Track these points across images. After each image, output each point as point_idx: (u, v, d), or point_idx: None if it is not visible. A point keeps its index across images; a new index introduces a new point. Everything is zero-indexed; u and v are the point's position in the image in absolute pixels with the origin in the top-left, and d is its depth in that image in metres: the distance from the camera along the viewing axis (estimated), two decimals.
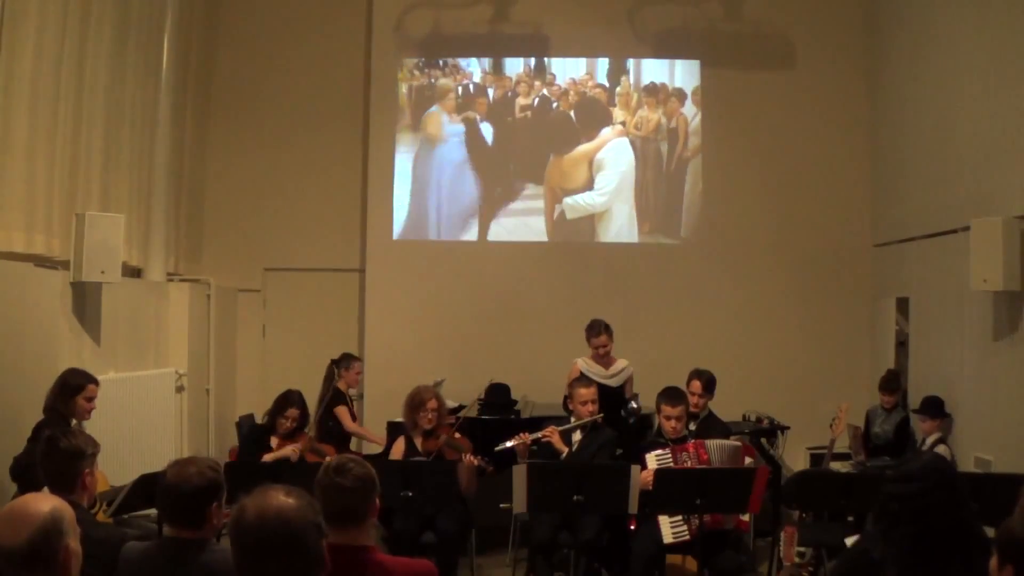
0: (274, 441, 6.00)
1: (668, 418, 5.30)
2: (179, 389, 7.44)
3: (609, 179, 8.72)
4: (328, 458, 6.13)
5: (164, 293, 7.61)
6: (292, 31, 8.84)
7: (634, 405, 6.31)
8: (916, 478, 2.70)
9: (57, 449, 3.23)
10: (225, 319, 8.47)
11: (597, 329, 6.65)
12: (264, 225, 8.78)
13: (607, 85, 8.80)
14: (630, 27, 8.69)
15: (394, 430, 6.27)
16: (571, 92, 8.79)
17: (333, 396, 6.88)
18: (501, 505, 5.10)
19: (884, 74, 8.28)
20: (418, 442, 5.64)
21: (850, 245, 8.58)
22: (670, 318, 8.47)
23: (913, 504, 2.65)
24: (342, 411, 6.89)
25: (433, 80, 8.80)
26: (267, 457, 5.83)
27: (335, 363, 7.05)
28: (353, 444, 7.21)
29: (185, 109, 8.25)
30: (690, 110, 8.76)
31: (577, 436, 5.63)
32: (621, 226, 8.71)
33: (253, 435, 6.22)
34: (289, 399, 6.05)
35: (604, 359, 6.66)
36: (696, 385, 5.76)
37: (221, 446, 7.93)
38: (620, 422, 6.24)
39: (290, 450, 5.88)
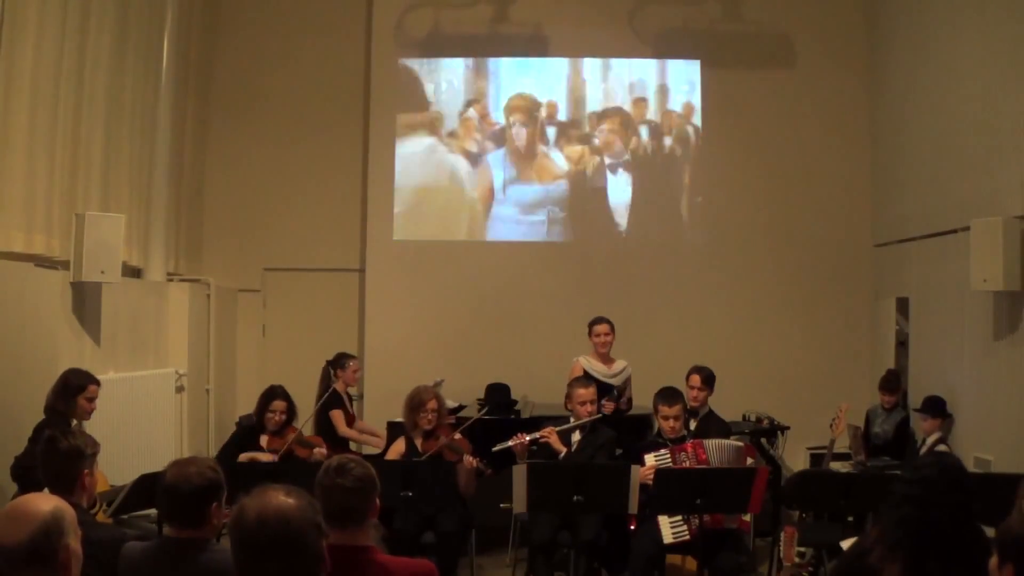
0: (263, 439, 5.94)
1: (666, 418, 5.31)
2: (179, 389, 7.43)
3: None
4: (317, 449, 6.14)
5: (164, 293, 7.60)
6: (292, 31, 8.84)
7: (615, 393, 6.46)
8: (930, 467, 2.74)
9: (57, 450, 3.22)
10: (225, 319, 8.47)
11: (599, 319, 6.68)
12: (264, 225, 8.77)
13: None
14: (630, 27, 8.68)
15: (394, 430, 6.27)
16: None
17: (329, 399, 6.83)
18: (501, 505, 5.10)
19: (884, 74, 8.27)
20: (418, 443, 5.64)
21: (850, 245, 8.58)
22: (670, 318, 8.47)
23: (921, 488, 2.66)
24: (336, 415, 6.83)
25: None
26: (242, 457, 5.72)
27: (330, 364, 7.00)
28: (353, 444, 7.19)
29: (185, 109, 8.24)
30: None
31: (576, 436, 5.63)
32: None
33: (240, 434, 6.15)
34: (273, 393, 5.98)
35: (605, 355, 6.65)
36: (695, 379, 5.77)
37: (221, 446, 7.92)
38: (619, 414, 6.28)
39: (266, 458, 5.74)
